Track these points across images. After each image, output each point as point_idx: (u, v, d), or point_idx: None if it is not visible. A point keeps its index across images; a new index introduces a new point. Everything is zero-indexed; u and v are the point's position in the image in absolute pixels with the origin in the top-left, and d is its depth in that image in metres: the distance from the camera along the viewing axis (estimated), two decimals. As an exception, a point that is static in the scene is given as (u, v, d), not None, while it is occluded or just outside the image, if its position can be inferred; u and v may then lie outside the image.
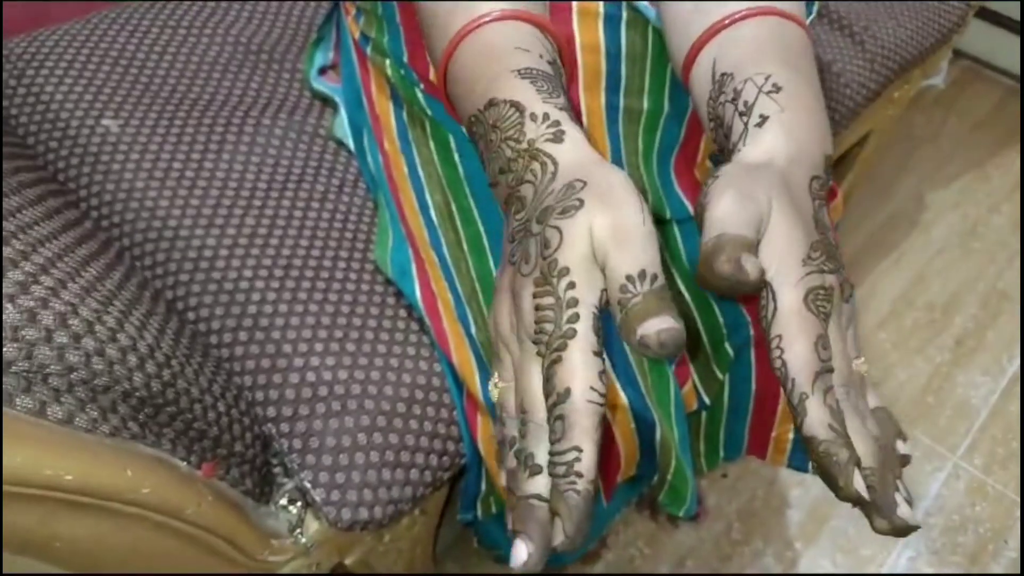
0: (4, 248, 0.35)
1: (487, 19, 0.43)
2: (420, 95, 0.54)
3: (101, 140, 0.59)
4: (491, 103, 0.42)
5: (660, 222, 0.58)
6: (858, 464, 0.34)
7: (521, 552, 0.33)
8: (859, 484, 0.34)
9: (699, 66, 0.44)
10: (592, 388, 0.34)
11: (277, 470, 0.51)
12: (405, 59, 0.55)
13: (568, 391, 0.34)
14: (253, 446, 0.48)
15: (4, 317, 0.32)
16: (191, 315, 0.54)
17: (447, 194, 0.54)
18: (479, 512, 0.59)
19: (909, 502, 0.35)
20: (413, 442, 0.50)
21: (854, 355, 0.38)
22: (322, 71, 0.67)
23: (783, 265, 0.35)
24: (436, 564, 0.76)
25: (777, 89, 0.40)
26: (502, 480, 0.38)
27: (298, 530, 0.50)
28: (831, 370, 0.35)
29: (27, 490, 0.32)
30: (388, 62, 0.56)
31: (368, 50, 0.58)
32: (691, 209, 0.57)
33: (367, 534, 0.56)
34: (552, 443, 0.34)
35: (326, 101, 0.66)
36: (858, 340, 0.40)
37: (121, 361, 0.37)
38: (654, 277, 0.35)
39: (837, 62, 0.80)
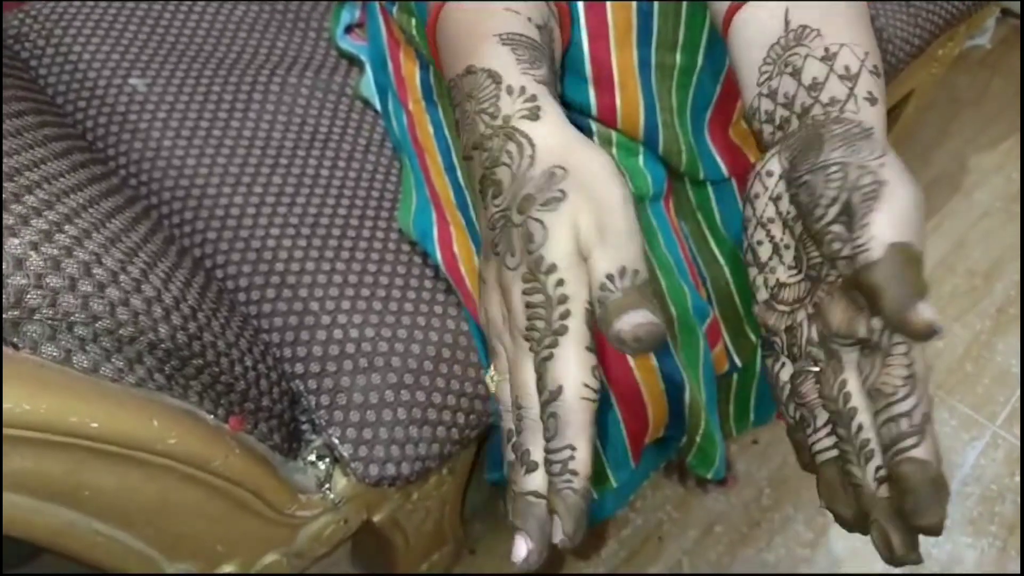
0: (28, 197, 0.35)
1: None
2: None
3: (129, 99, 0.59)
4: (468, 70, 0.40)
5: (695, 183, 0.56)
6: None
7: (521, 549, 0.34)
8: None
9: (756, 8, 0.41)
10: (585, 385, 0.34)
11: (305, 426, 0.51)
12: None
13: (560, 389, 0.34)
14: (281, 401, 0.48)
15: (28, 264, 0.32)
16: (219, 272, 0.54)
17: (474, 153, 0.53)
18: (506, 471, 0.59)
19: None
20: (440, 400, 0.50)
21: None
22: (348, 29, 0.67)
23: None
24: (464, 525, 0.76)
25: (878, 73, 0.38)
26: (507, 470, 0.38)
27: (326, 486, 0.50)
28: None
29: (53, 437, 0.32)
30: (414, 22, 0.55)
31: (394, 11, 0.57)
32: (725, 170, 0.55)
33: (395, 491, 0.56)
34: (547, 440, 0.34)
35: (352, 60, 0.65)
36: None
37: (146, 312, 0.37)
38: (635, 273, 0.34)
39: (880, 17, 0.77)
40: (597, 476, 0.54)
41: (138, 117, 0.59)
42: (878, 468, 0.31)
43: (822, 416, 0.34)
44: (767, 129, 0.39)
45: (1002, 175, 1.33)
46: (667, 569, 0.92)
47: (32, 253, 0.33)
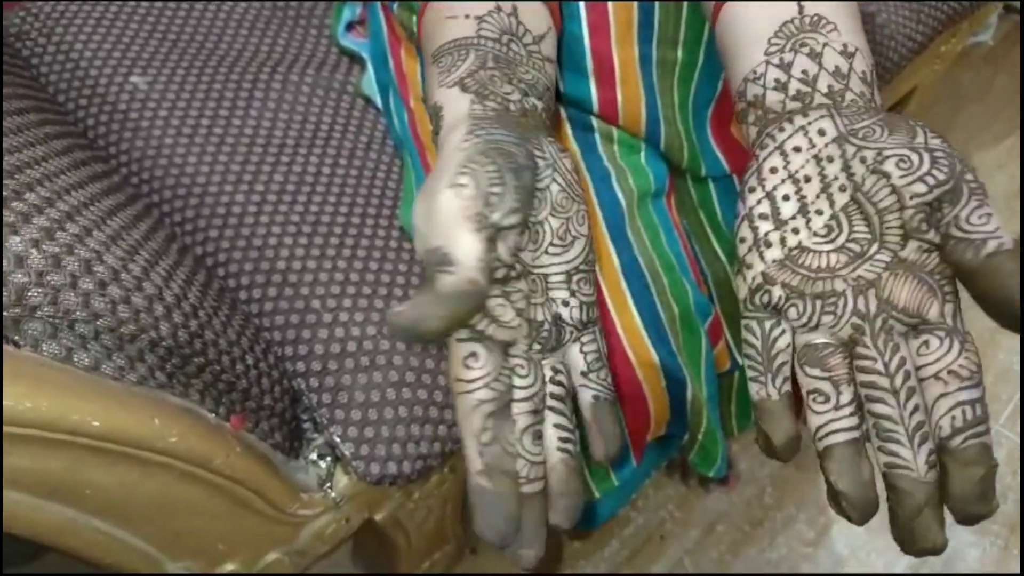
0: (29, 194, 0.35)
1: None
2: None
3: (129, 97, 0.59)
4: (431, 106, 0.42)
5: (696, 179, 0.56)
6: None
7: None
8: None
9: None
10: (457, 379, 0.34)
11: (307, 424, 0.51)
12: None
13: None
14: (282, 400, 0.48)
15: (29, 262, 0.32)
16: (220, 271, 0.54)
17: (475, 149, 0.52)
18: None
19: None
20: (441, 398, 0.50)
21: None
22: (350, 27, 0.67)
23: None
24: (466, 524, 0.76)
25: (878, 86, 0.39)
26: None
27: (328, 484, 0.50)
28: None
29: (54, 435, 0.32)
30: (415, 18, 0.55)
31: (395, 8, 0.57)
32: (727, 166, 0.55)
33: (396, 489, 0.56)
34: None
35: (354, 57, 0.65)
36: None
37: (147, 310, 0.37)
38: (435, 251, 0.33)
39: (881, 12, 0.77)
40: (598, 475, 0.54)
41: (139, 115, 0.58)
42: (931, 452, 0.31)
43: (847, 392, 0.33)
44: (774, 96, 0.38)
45: (1005, 173, 1.33)
46: (669, 568, 0.92)
47: (33, 251, 0.33)
